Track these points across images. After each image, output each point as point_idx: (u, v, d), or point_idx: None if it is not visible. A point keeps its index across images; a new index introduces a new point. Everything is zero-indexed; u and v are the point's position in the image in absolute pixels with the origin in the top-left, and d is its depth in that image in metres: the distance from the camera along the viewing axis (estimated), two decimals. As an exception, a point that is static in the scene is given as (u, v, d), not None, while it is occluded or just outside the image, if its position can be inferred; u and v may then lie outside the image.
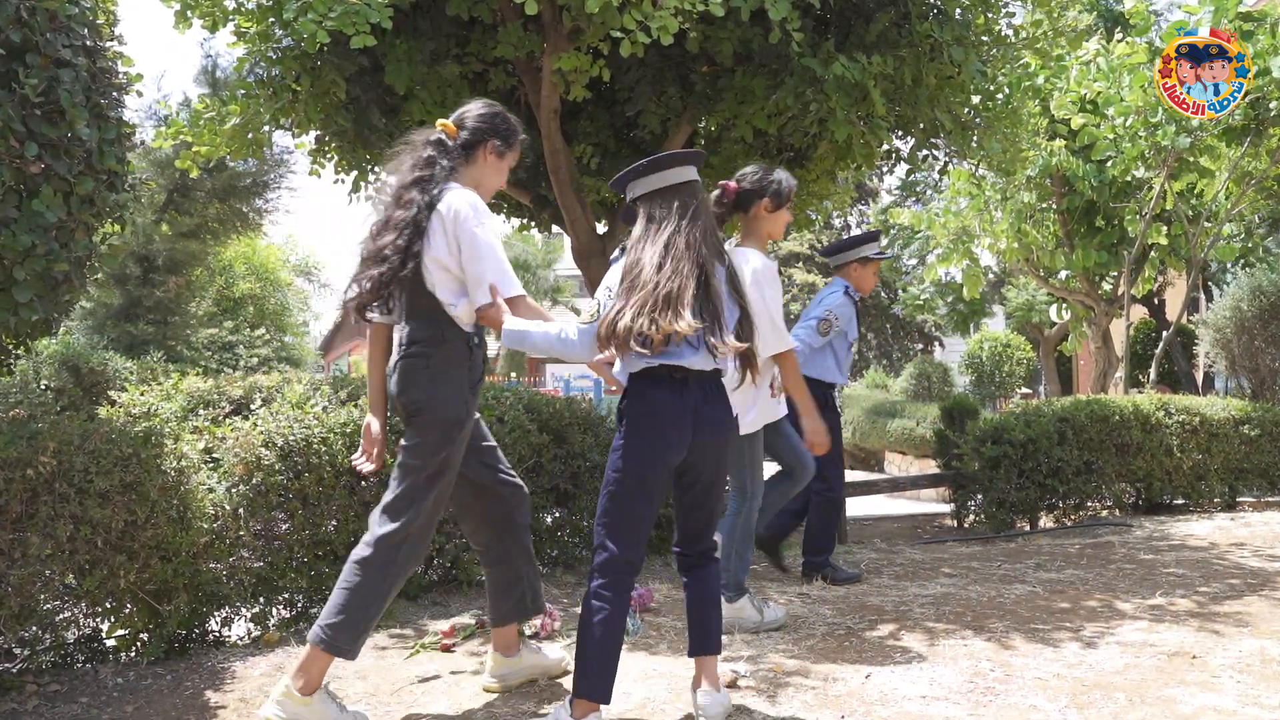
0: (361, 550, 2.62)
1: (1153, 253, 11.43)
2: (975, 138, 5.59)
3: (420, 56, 4.95)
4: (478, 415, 2.84)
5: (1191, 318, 14.12)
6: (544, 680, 3.02)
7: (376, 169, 6.11)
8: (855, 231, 29.86)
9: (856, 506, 7.01)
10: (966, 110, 5.45)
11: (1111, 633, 3.52)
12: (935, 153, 5.90)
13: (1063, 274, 12.60)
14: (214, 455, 3.62)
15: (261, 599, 3.65)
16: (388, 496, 2.65)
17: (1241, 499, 7.10)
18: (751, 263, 3.38)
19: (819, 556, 4.53)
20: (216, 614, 3.57)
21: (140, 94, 3.55)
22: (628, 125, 5.91)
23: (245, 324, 19.41)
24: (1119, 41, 9.68)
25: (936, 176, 14.75)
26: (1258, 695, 2.83)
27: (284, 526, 3.64)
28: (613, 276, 2.66)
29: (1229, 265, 14.24)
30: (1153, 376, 9.73)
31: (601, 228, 6.33)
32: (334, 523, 3.75)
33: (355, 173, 5.95)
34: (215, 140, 5.33)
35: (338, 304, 35.62)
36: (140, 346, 12.60)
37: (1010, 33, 5.83)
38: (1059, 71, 9.63)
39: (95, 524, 2.97)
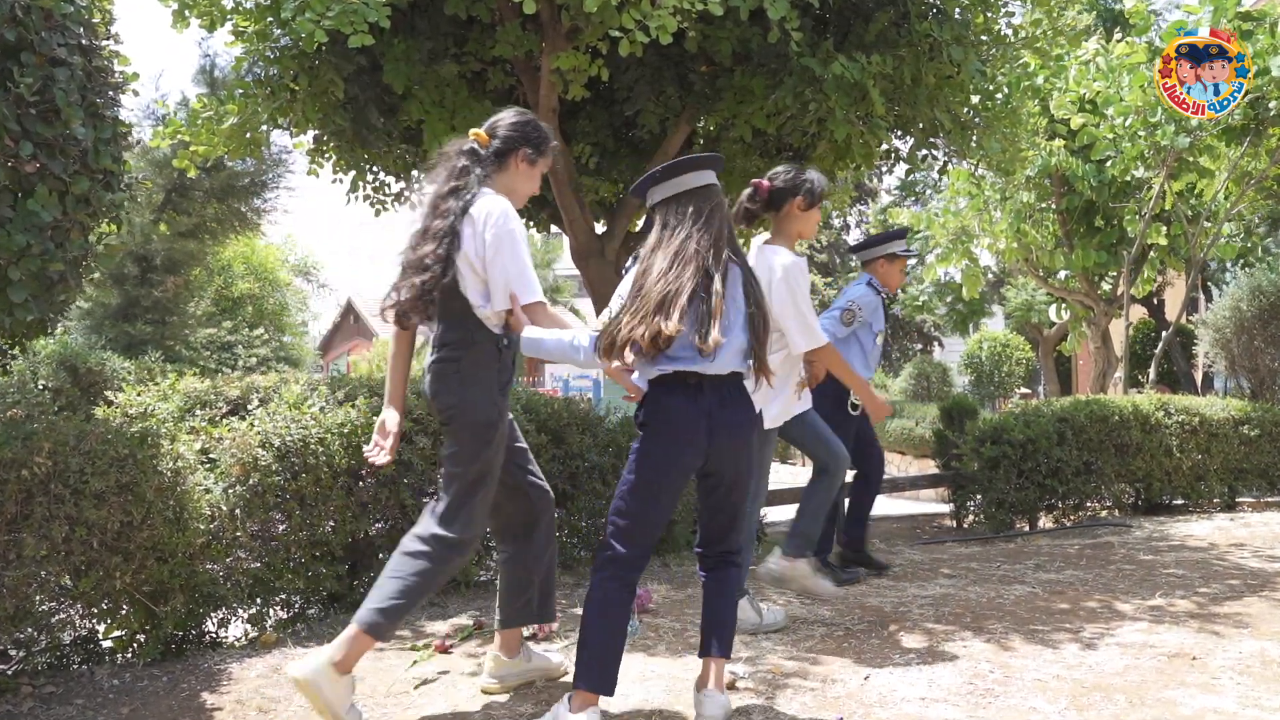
0: (414, 544, 2.66)
1: (1152, 253, 11.42)
2: (974, 137, 5.58)
3: (418, 56, 4.94)
4: (510, 416, 2.86)
5: (1191, 318, 14.12)
6: (542, 682, 3.00)
7: (375, 168, 6.11)
8: (854, 231, 29.88)
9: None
10: (966, 110, 5.44)
11: (1111, 634, 3.51)
12: (934, 152, 5.89)
13: (1062, 274, 12.60)
14: (211, 456, 3.60)
15: (258, 600, 3.64)
16: (439, 504, 2.70)
17: (1241, 499, 7.09)
18: (781, 259, 3.36)
19: (819, 556, 4.53)
20: (213, 615, 3.55)
21: (136, 93, 3.54)
22: (626, 125, 5.90)
23: (244, 324, 19.39)
24: (1118, 41, 9.67)
25: (936, 176, 14.74)
26: (1258, 697, 2.82)
27: (281, 527, 3.63)
28: (625, 285, 2.66)
29: (1228, 265, 14.24)
30: (1152, 376, 9.72)
31: (600, 227, 6.32)
32: (331, 523, 3.74)
33: (353, 172, 5.94)
34: (213, 140, 5.32)
35: (337, 303, 35.67)
36: (138, 346, 12.59)
37: (1009, 32, 5.82)
38: (1058, 71, 9.62)
39: (91, 525, 2.96)
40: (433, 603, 4.03)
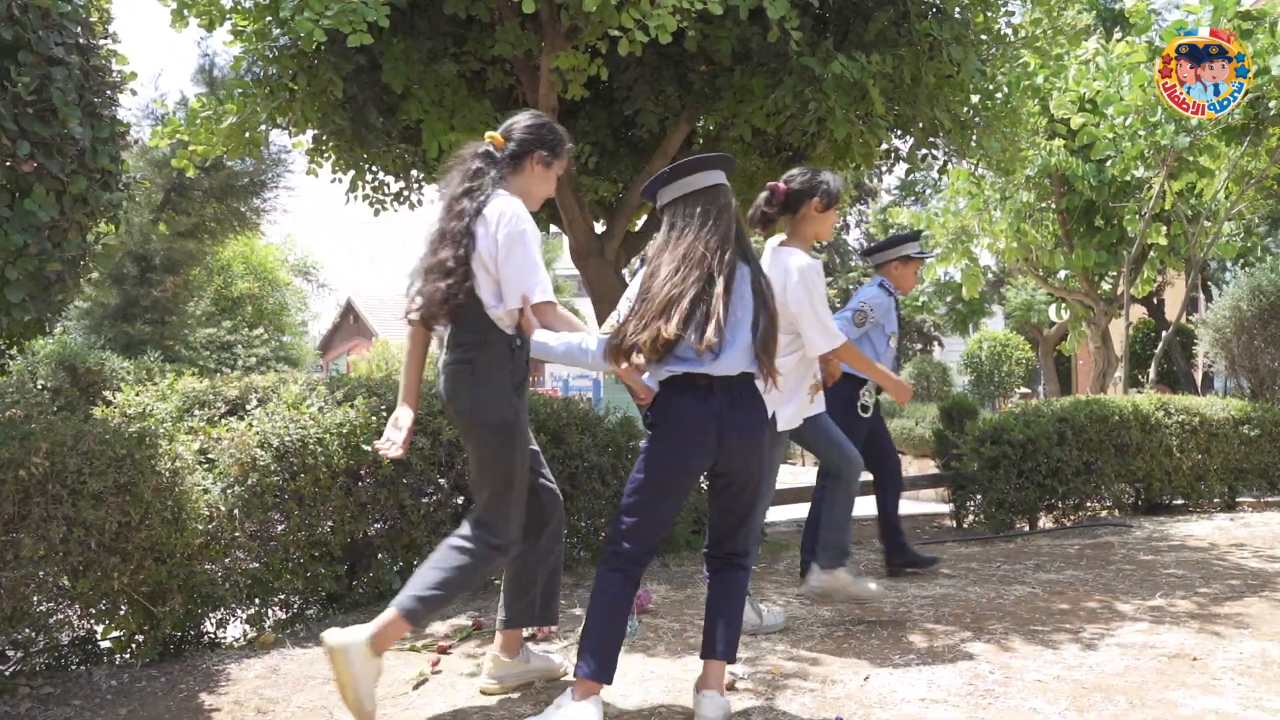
0: (459, 539, 2.71)
1: (1152, 252, 11.42)
2: (974, 137, 5.57)
3: (417, 55, 4.92)
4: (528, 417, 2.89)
5: (1191, 317, 14.11)
6: (541, 683, 3.00)
7: (374, 168, 6.09)
8: (854, 231, 29.86)
9: (855, 506, 6.97)
10: (966, 109, 5.43)
11: (1111, 634, 3.50)
12: (934, 152, 5.88)
13: (1062, 274, 12.59)
14: (209, 456, 3.60)
15: (257, 600, 3.64)
16: (477, 511, 2.74)
17: (1241, 499, 7.09)
18: (796, 261, 3.37)
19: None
20: (211, 616, 3.55)
21: (135, 92, 3.53)
22: (626, 124, 5.89)
23: (243, 324, 19.37)
24: (1118, 40, 9.66)
25: (935, 176, 14.73)
26: (1259, 698, 2.81)
27: (279, 527, 3.62)
28: (633, 287, 2.66)
29: (1228, 264, 14.24)
30: (1152, 376, 9.71)
31: (599, 227, 6.31)
32: (330, 524, 3.73)
33: (352, 172, 5.92)
34: (212, 139, 5.30)
35: (337, 303, 35.64)
36: (137, 346, 12.57)
37: (1009, 31, 5.81)
38: (1058, 71, 9.61)
39: (89, 525, 2.95)
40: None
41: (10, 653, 3.13)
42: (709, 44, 4.83)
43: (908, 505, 6.59)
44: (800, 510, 6.23)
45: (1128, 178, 9.89)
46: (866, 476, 5.01)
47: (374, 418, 3.87)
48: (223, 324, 18.34)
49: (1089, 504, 6.48)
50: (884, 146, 5.85)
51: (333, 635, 2.54)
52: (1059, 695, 2.84)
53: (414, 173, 6.18)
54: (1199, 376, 14.47)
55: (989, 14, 5.40)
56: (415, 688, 3.00)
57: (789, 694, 2.89)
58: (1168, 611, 3.84)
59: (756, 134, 5.59)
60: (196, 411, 4.02)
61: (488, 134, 2.86)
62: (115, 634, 3.32)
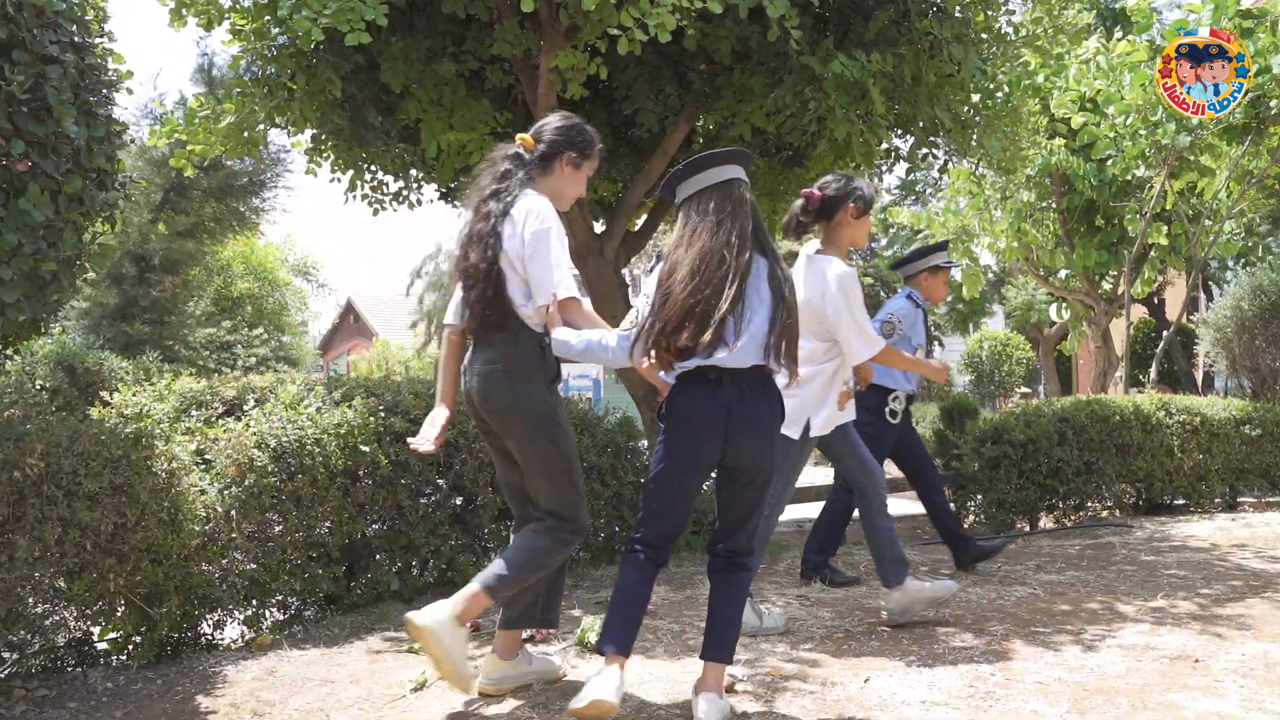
0: (539, 527, 2.79)
1: (1153, 252, 11.39)
2: (975, 136, 5.55)
3: (416, 54, 4.91)
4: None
5: (1191, 317, 14.09)
6: (539, 685, 2.98)
7: (373, 167, 6.07)
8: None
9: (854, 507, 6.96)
10: (966, 109, 5.42)
11: (1113, 636, 3.48)
12: (935, 151, 5.87)
13: (1062, 273, 12.55)
14: (206, 457, 3.58)
15: (254, 602, 3.62)
16: (545, 505, 2.80)
17: (1242, 499, 7.07)
18: (835, 270, 3.40)
19: (820, 556, 4.51)
20: (208, 617, 3.53)
21: (131, 91, 3.51)
22: (625, 124, 5.87)
23: (243, 324, 19.34)
24: (1119, 39, 9.64)
25: (936, 175, 14.71)
26: (1261, 700, 2.79)
27: (277, 528, 3.61)
28: (650, 284, 2.67)
29: (1229, 264, 14.21)
30: (1153, 376, 9.70)
31: (599, 227, 6.29)
32: (328, 524, 3.72)
33: (351, 171, 5.91)
34: (210, 139, 5.29)
35: (337, 303, 35.63)
36: (136, 346, 12.55)
37: (1010, 30, 5.79)
38: (1059, 70, 9.59)
39: (84, 526, 2.93)
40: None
41: (6, 654, 3.12)
42: (708, 43, 4.81)
43: (908, 505, 6.58)
44: (800, 510, 6.23)
45: (1128, 177, 9.87)
46: (895, 470, 5.04)
47: (372, 418, 3.85)
48: (222, 324, 18.32)
49: (1090, 504, 6.46)
50: (884, 146, 5.84)
51: (417, 616, 2.62)
52: (1060, 697, 2.82)
53: (413, 172, 6.17)
54: (1200, 376, 14.45)
55: (990, 13, 5.39)
56: (413, 690, 2.98)
57: (788, 696, 2.87)
58: (1169, 613, 3.82)
59: (756, 133, 5.57)
60: (194, 412, 4.00)
61: (518, 136, 2.90)
62: (112, 636, 3.30)
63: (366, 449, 3.77)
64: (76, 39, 3.10)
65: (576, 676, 3.06)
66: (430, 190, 6.35)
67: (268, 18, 4.57)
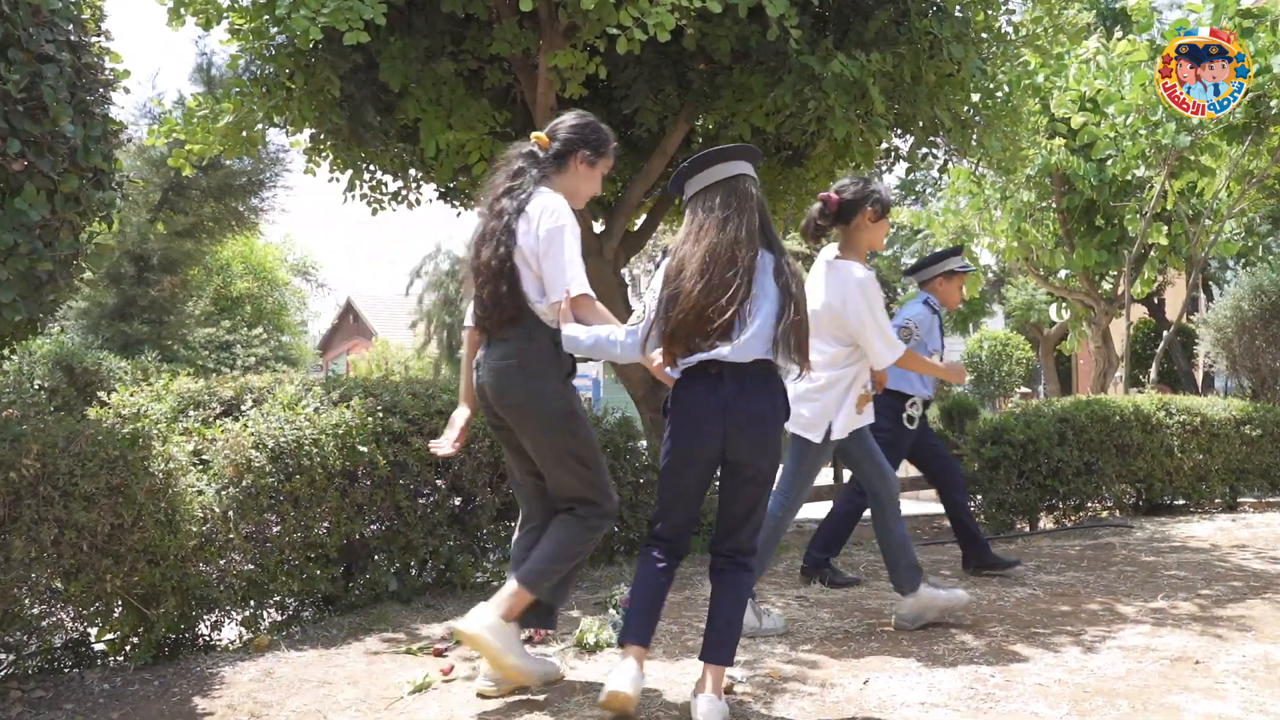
0: (569, 515, 2.83)
1: (1153, 252, 11.38)
2: (975, 136, 5.54)
3: (415, 54, 4.90)
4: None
5: (1191, 317, 14.07)
6: (538, 686, 2.96)
7: (371, 167, 6.06)
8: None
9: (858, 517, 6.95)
10: (966, 108, 5.41)
11: (1113, 637, 3.47)
12: (935, 151, 5.86)
13: (1062, 273, 12.54)
14: (203, 457, 3.57)
15: (252, 602, 3.61)
16: (571, 495, 2.84)
17: (1243, 500, 7.07)
18: (855, 274, 3.40)
19: (822, 554, 4.50)
20: (206, 618, 3.52)
21: (128, 90, 3.49)
22: (624, 123, 5.85)
23: (242, 323, 19.33)
24: (1119, 39, 9.63)
25: (936, 175, 14.70)
26: (1262, 702, 2.78)
27: (275, 529, 3.59)
28: (658, 280, 2.68)
29: (1229, 264, 14.21)
30: (1153, 376, 9.69)
31: (598, 226, 6.28)
32: (326, 525, 3.70)
33: (350, 171, 5.90)
34: (209, 138, 5.28)
35: (336, 303, 35.60)
36: (135, 346, 12.54)
37: (1010, 30, 5.78)
38: (1059, 69, 9.58)
39: (80, 527, 2.92)
40: (428, 605, 4.00)
41: (2, 656, 3.10)
42: (708, 42, 4.80)
43: (908, 505, 6.56)
44: (800, 511, 6.20)
45: (1129, 177, 9.86)
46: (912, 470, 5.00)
47: (370, 419, 3.84)
48: (222, 324, 18.31)
49: (1090, 504, 6.45)
50: (884, 145, 5.83)
51: (463, 624, 2.69)
52: (1060, 699, 2.81)
53: (412, 172, 6.16)
54: (1200, 376, 14.44)
55: (990, 12, 5.38)
56: (412, 692, 2.97)
57: (788, 698, 2.86)
58: (1169, 614, 3.81)
59: (756, 133, 5.56)
60: (191, 412, 3.99)
61: (533, 134, 2.92)
62: (109, 637, 3.29)
63: (365, 449, 3.76)
64: (73, 38, 3.09)
65: (575, 677, 3.05)
66: (429, 190, 6.34)
67: (266, 17, 4.56)
